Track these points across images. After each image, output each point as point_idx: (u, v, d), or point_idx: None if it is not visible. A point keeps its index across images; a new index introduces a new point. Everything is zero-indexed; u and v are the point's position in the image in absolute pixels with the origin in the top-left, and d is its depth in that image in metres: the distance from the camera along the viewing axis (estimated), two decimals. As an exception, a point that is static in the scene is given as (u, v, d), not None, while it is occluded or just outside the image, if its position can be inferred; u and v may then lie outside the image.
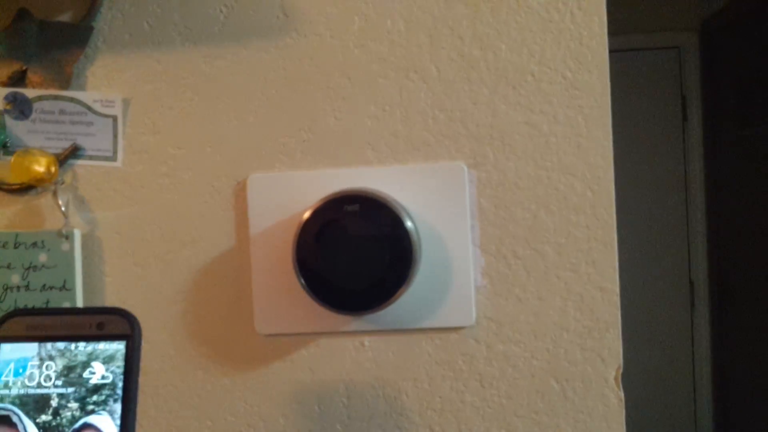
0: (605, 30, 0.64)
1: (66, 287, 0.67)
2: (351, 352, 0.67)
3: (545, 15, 0.65)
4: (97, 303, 0.68)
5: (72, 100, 0.68)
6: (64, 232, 0.67)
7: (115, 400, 0.44)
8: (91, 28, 0.68)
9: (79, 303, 0.67)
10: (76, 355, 0.45)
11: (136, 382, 0.45)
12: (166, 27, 0.68)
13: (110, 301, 0.68)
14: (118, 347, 0.45)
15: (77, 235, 0.68)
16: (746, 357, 2.74)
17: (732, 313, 2.91)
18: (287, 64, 0.67)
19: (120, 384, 0.44)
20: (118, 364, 0.44)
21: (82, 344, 0.45)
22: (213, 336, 0.68)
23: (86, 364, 0.45)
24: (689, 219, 3.16)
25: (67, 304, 0.67)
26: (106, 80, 0.68)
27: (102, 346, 0.45)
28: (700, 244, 3.14)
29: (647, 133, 3.17)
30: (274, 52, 0.67)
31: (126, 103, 0.68)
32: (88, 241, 0.68)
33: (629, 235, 3.15)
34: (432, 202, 0.66)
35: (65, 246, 0.67)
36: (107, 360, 0.45)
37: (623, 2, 3.09)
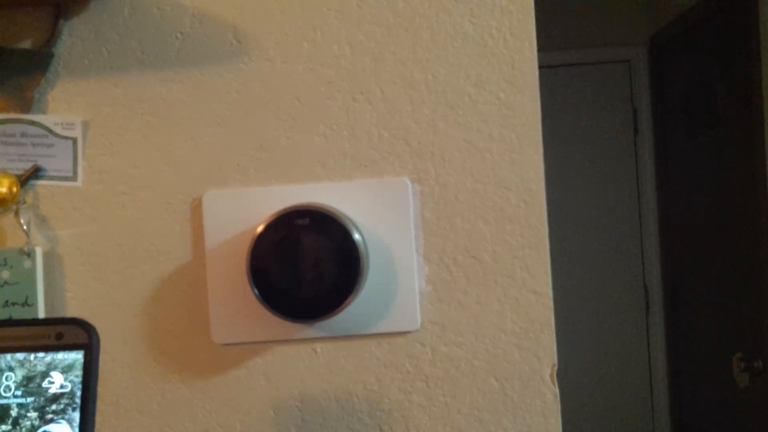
0: (535, 54, 0.70)
1: (28, 303, 0.70)
2: (304, 358, 0.71)
3: (480, 41, 0.70)
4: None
5: (33, 123, 0.71)
6: (26, 250, 0.70)
7: (74, 409, 0.46)
8: (52, 55, 0.71)
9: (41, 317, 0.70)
10: (35, 366, 0.47)
11: (95, 390, 0.47)
12: (124, 53, 0.72)
13: (71, 314, 0.71)
14: (77, 356, 0.47)
15: (39, 252, 0.70)
16: (699, 358, 2.84)
17: (685, 316, 3.01)
18: (240, 87, 0.71)
19: (78, 393, 0.46)
20: (77, 373, 0.47)
21: (41, 354, 0.47)
22: (171, 347, 0.71)
23: (45, 374, 0.47)
24: (642, 227, 3.26)
25: (29, 319, 0.70)
26: (66, 104, 0.72)
27: (61, 356, 0.47)
28: (653, 251, 3.24)
29: (600, 145, 3.27)
30: (228, 76, 0.71)
31: (85, 125, 0.71)
32: (49, 258, 0.71)
33: (585, 244, 3.24)
34: (378, 214, 0.70)
35: (27, 263, 0.70)
36: (66, 369, 0.47)
37: (574, 18, 3.20)
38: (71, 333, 0.47)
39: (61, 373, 0.46)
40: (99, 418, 0.69)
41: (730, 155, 2.47)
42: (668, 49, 3.05)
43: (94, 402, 0.47)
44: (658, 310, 3.24)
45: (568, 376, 3.20)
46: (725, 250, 2.52)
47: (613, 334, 3.25)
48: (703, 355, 2.79)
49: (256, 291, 0.65)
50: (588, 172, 3.26)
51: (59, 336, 0.47)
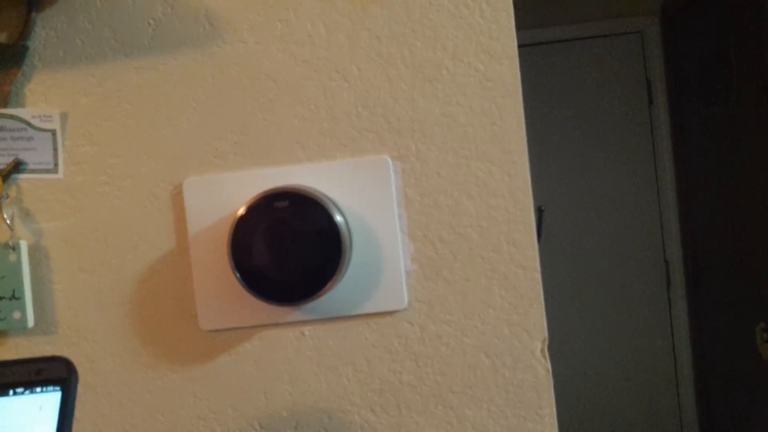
0: (513, 23, 0.68)
1: (15, 296, 0.70)
2: (292, 342, 0.71)
3: (456, 11, 0.68)
4: (47, 310, 0.71)
5: (11, 117, 0.71)
6: (10, 243, 0.70)
7: None
8: (26, 48, 0.71)
9: (29, 311, 0.70)
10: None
11: (70, 422, 0.47)
12: (99, 42, 0.71)
13: (59, 306, 0.71)
14: (55, 390, 0.47)
15: (24, 246, 0.71)
16: (722, 330, 2.80)
17: (707, 289, 2.96)
18: (215, 71, 0.70)
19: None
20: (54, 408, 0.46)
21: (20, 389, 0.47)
22: (160, 335, 0.71)
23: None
24: (660, 200, 3.21)
25: (17, 313, 0.70)
26: (43, 96, 0.71)
27: (39, 389, 0.47)
28: (672, 224, 3.19)
29: (615, 118, 3.22)
30: (202, 61, 0.70)
31: (64, 116, 0.71)
32: (34, 251, 0.71)
33: (603, 219, 3.21)
34: (360, 194, 0.69)
35: (13, 257, 0.70)
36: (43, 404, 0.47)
37: (583, -10, 3.14)
38: (50, 369, 0.47)
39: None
40: (91, 409, 0.70)
41: (747, 123, 2.42)
42: (680, 17, 2.99)
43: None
44: (680, 284, 3.19)
45: (590, 353, 3.18)
46: (745, 220, 2.48)
47: (635, 309, 3.22)
48: (726, 327, 2.75)
49: (238, 275, 0.65)
50: (603, 146, 3.22)
51: (39, 372, 0.47)
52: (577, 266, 3.13)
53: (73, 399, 0.46)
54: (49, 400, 0.46)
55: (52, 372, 0.47)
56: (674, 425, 3.23)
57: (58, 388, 0.46)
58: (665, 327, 3.22)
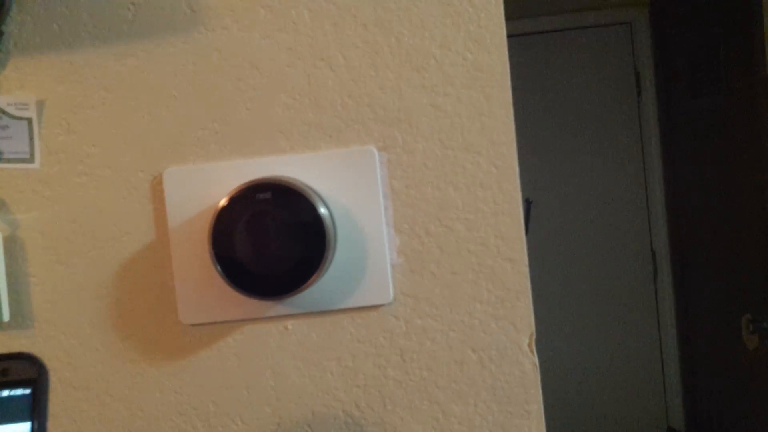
0: (502, 11, 0.67)
1: (-10, 289, 0.68)
2: (275, 336, 0.69)
3: (444, -1, 0.67)
4: (24, 303, 0.69)
5: (-14, 104, 0.69)
6: (-15, 235, 0.68)
7: None
8: (1, 33, 0.69)
9: (5, 304, 0.68)
10: None
11: (44, 426, 0.44)
12: (76, 28, 0.69)
13: (36, 299, 0.69)
14: (25, 392, 0.44)
15: (-1, 237, 0.69)
16: (709, 321, 2.81)
17: (693, 280, 2.97)
18: (197, 58, 0.68)
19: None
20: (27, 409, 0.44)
21: None
22: (139, 329, 0.70)
23: None
24: (648, 191, 3.22)
25: (-8, 306, 0.68)
26: (19, 83, 0.69)
27: (6, 393, 0.44)
28: (659, 214, 3.20)
29: (603, 109, 3.22)
30: (183, 47, 0.68)
31: (40, 104, 0.69)
32: (10, 243, 0.69)
33: (591, 210, 3.21)
34: (345, 185, 0.68)
35: (-13, 249, 0.68)
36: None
37: (572, -20, 3.12)
38: (18, 368, 0.44)
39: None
40: (69, 404, 0.68)
41: (735, 114, 2.42)
42: (669, 9, 2.99)
43: None
44: (667, 275, 3.21)
45: (578, 345, 3.19)
46: (731, 211, 2.49)
47: (622, 300, 3.23)
48: (712, 317, 2.77)
49: (219, 268, 0.63)
50: (591, 137, 3.22)
51: (5, 372, 0.44)
52: (565, 257, 3.13)
53: (45, 400, 0.44)
54: (20, 403, 0.44)
55: (19, 372, 0.44)
56: (660, 413, 3.26)
57: (28, 390, 0.44)
58: (652, 317, 3.24)
